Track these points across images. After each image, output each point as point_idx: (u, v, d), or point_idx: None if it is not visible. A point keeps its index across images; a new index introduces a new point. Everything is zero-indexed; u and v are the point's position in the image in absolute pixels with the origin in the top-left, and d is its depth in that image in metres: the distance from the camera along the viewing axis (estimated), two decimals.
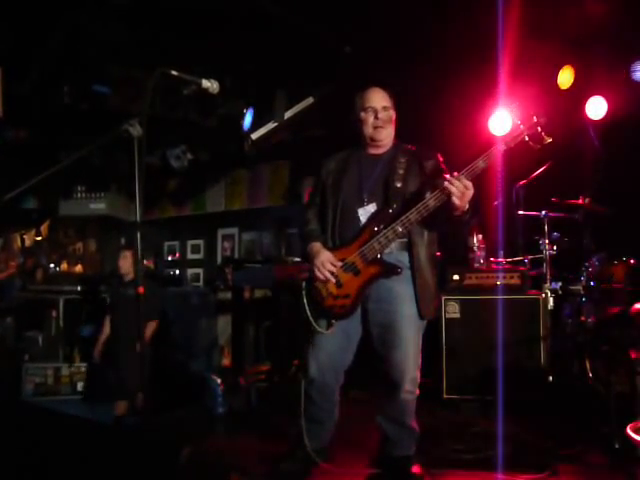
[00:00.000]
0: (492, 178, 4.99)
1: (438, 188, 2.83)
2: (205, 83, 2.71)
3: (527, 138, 2.81)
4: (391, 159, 3.11)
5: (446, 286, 4.78)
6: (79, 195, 9.01)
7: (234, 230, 8.71)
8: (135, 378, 4.52)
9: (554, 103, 5.46)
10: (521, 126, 2.82)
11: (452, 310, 4.64)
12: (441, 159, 3.15)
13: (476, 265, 4.87)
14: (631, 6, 4.68)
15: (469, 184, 2.74)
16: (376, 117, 3.08)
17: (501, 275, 4.71)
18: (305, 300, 3.03)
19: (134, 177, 2.48)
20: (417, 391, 3.08)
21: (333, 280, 2.98)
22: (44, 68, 5.31)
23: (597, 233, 4.95)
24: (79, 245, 10.48)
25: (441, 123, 5.72)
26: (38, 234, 10.00)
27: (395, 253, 3.00)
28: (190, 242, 9.31)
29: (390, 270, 2.96)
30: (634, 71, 5.11)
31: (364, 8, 4.79)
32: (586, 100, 5.48)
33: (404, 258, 3.02)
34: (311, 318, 3.01)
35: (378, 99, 3.11)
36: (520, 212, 5.09)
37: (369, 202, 3.03)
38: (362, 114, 3.12)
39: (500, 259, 4.98)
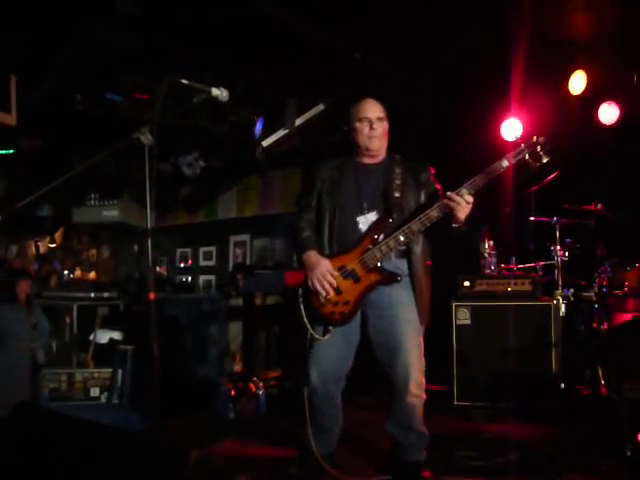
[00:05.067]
0: (504, 184, 4.99)
1: (434, 199, 2.96)
2: (215, 91, 2.74)
3: (527, 157, 2.94)
4: (386, 169, 3.16)
5: (457, 292, 4.77)
6: (92, 202, 9.08)
7: (246, 237, 8.72)
8: None
9: (566, 109, 5.47)
10: (522, 145, 2.95)
11: (463, 316, 4.63)
12: (433, 172, 3.21)
13: (487, 271, 4.86)
14: None
15: (470, 199, 2.83)
16: (371, 127, 3.12)
17: (512, 281, 4.69)
18: (302, 307, 3.06)
19: (146, 185, 2.50)
20: (424, 395, 3.09)
21: (332, 293, 3.00)
22: (57, 76, 5.36)
23: (609, 239, 4.92)
24: (92, 252, 10.54)
25: (453, 129, 5.73)
26: (52, 241, 10.08)
27: (394, 260, 3.04)
28: (202, 249, 9.34)
29: (390, 278, 2.99)
30: None
31: (375, 15, 4.80)
32: (598, 105, 5.46)
33: (403, 265, 3.06)
34: (308, 325, 3.05)
35: (373, 110, 3.15)
36: (532, 218, 5.08)
37: (369, 210, 3.06)
38: (357, 124, 3.15)
39: (511, 265, 4.97)
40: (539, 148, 2.93)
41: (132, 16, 4.55)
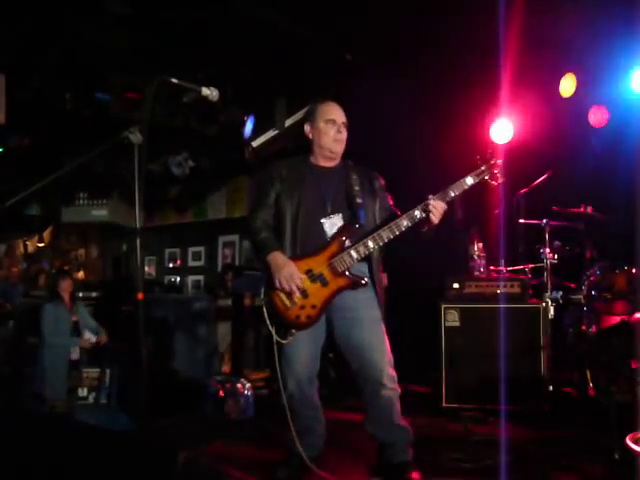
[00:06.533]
0: (493, 187, 4.99)
1: (387, 208, 3.19)
2: (205, 91, 2.73)
3: (487, 177, 3.10)
4: (344, 174, 3.20)
5: (446, 294, 4.77)
6: (81, 202, 9.07)
7: (235, 237, 8.72)
8: None
9: (556, 111, 5.49)
10: (483, 166, 3.10)
11: (452, 318, 4.63)
12: (383, 182, 3.30)
13: (476, 273, 4.86)
14: (632, 15, 4.68)
15: (445, 206, 3.00)
16: (338, 131, 3.15)
17: (502, 284, 4.70)
18: (265, 309, 3.05)
19: (135, 184, 2.49)
20: (398, 388, 3.11)
21: (299, 294, 2.99)
22: (46, 76, 5.34)
23: (598, 242, 4.93)
24: (81, 251, 10.51)
25: (442, 131, 5.73)
26: (41, 240, 10.06)
27: (356, 264, 3.04)
28: (191, 249, 9.33)
29: (358, 282, 3.02)
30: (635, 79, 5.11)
31: (365, 15, 4.80)
32: (588, 108, 5.48)
33: (364, 269, 3.11)
34: (271, 327, 3.04)
35: (340, 114, 3.19)
36: (521, 220, 5.08)
37: (333, 213, 3.09)
38: (322, 125, 3.16)
39: (501, 267, 4.97)
40: (497, 170, 3.10)
41: (122, 16, 4.54)
